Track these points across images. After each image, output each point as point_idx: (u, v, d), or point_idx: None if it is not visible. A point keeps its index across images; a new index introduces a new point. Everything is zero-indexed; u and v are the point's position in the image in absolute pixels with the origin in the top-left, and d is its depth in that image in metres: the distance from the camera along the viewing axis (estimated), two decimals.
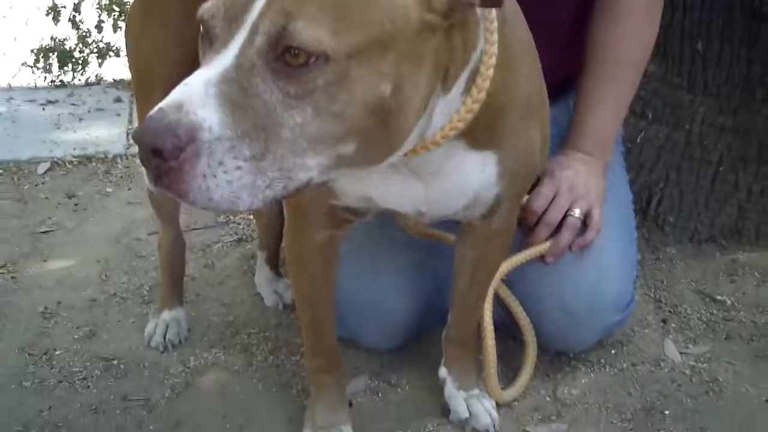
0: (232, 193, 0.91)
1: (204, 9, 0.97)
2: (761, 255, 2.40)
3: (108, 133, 3.63)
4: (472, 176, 1.30)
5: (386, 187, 1.30)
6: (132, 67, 1.89)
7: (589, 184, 1.79)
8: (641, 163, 2.55)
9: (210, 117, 0.88)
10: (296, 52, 0.90)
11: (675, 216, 2.50)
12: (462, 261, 1.61)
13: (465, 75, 1.11)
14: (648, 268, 2.35)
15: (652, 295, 2.23)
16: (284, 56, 0.90)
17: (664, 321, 2.12)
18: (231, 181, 0.90)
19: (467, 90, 1.13)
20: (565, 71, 1.89)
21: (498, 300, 1.79)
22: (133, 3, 1.95)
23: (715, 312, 2.15)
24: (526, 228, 1.78)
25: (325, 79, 0.92)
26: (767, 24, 2.32)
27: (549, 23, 1.76)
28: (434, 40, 1.01)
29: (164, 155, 0.87)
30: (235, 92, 0.90)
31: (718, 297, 2.21)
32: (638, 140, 2.55)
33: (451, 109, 1.13)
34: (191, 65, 1.72)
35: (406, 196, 1.31)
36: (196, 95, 0.89)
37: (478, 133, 1.21)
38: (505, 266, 1.73)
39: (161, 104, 0.89)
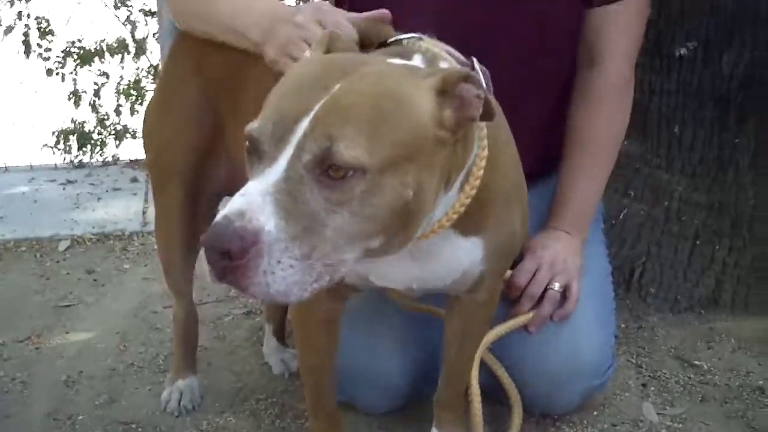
0: (287, 287, 1.07)
1: (253, 128, 1.13)
2: (737, 323, 2.56)
3: (125, 212, 3.82)
4: (461, 258, 1.48)
5: (384, 268, 1.47)
6: (148, 156, 2.09)
7: (567, 260, 1.96)
8: (623, 238, 2.72)
9: (269, 222, 1.04)
10: (338, 167, 1.08)
11: (656, 287, 2.67)
12: (450, 331, 1.76)
13: (461, 175, 1.30)
14: (631, 336, 2.50)
15: (633, 361, 2.38)
16: (328, 171, 1.08)
17: (644, 385, 2.26)
18: (285, 277, 1.06)
19: (461, 187, 1.32)
20: (546, 152, 2.08)
21: (484, 366, 1.93)
22: (153, 95, 2.16)
23: (692, 376, 2.30)
24: (510, 301, 1.95)
25: (361, 189, 1.09)
26: (734, 111, 2.52)
27: (530, 109, 1.97)
28: (444, 151, 1.20)
29: (232, 256, 1.03)
30: (286, 200, 1.07)
31: (696, 362, 2.36)
32: (621, 217, 2.73)
33: (448, 204, 1.32)
34: (204, 155, 1.94)
35: (401, 275, 1.49)
36: (256, 204, 1.05)
37: (467, 222, 1.39)
38: (491, 335, 1.88)
39: (225, 212, 1.05)
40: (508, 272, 1.91)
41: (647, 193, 2.72)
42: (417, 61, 1.32)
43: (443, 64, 1.33)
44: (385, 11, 1.55)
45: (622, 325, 2.52)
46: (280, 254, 1.05)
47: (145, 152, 2.12)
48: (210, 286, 2.90)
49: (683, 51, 2.58)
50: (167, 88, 2.06)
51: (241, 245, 1.03)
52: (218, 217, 1.06)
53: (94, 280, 3.12)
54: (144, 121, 2.13)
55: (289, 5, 1.71)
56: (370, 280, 1.52)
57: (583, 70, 2.06)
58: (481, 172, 1.33)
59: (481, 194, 1.35)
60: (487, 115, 1.21)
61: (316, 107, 1.10)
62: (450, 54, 1.38)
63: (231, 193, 2.08)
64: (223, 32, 1.79)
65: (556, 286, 1.94)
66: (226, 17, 1.76)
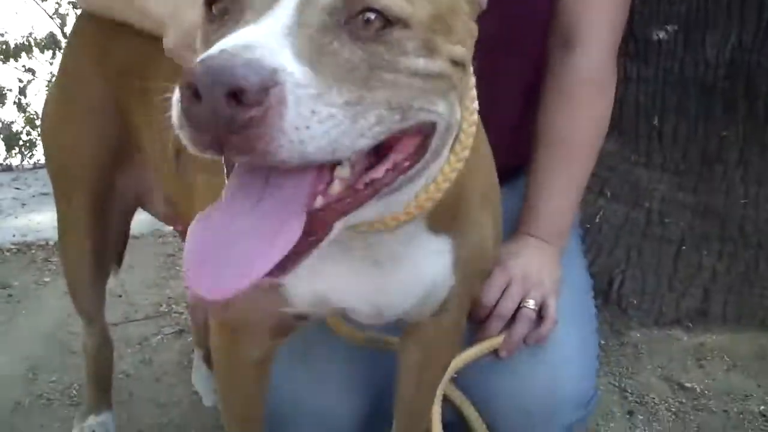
0: (331, 141, 0.75)
1: None
2: (729, 338, 2.30)
3: (51, 219, 3.43)
4: (430, 264, 1.19)
5: (342, 279, 1.16)
6: (48, 165, 1.77)
7: (543, 272, 1.67)
8: (600, 243, 2.45)
9: (289, 63, 0.72)
10: (375, 15, 0.80)
11: (638, 298, 2.40)
12: (407, 364, 1.47)
13: (453, 132, 0.99)
14: (612, 354, 2.24)
15: (616, 384, 2.11)
16: (357, 19, 0.80)
17: (630, 413, 2.00)
18: (327, 130, 0.74)
19: (451, 150, 1.03)
20: (515, 150, 1.80)
21: (447, 401, 1.64)
22: (50, 90, 1.83)
23: (684, 401, 2.04)
24: (476, 322, 1.65)
25: (403, 49, 0.82)
26: (721, 100, 2.26)
27: (497, 100, 1.68)
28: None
29: (244, 98, 0.69)
30: (307, 47, 0.75)
31: (687, 384, 2.10)
32: (597, 220, 2.46)
33: (431, 173, 1.02)
34: (111, 165, 1.63)
35: (363, 286, 1.18)
36: (269, 39, 0.73)
37: (439, 215, 1.11)
38: (455, 363, 1.58)
39: (222, 47, 0.71)
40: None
41: (625, 193, 2.45)
42: None
43: None
44: None
45: (602, 342, 2.25)
46: (312, 102, 0.73)
47: (45, 158, 1.80)
48: (138, 300, 2.59)
49: (662, 35, 2.33)
50: (66, 82, 1.72)
51: (258, 80, 0.69)
52: (212, 50, 0.71)
53: (9, 295, 2.81)
54: (42, 121, 1.81)
55: None
56: (327, 298, 1.20)
57: (557, 55, 1.76)
58: (471, 140, 1.05)
59: (455, 188, 1.07)
60: None
61: None
62: None
63: (144, 206, 1.80)
64: (121, 7, 1.47)
65: (531, 303, 1.64)
66: None
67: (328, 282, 1.17)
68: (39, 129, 4.35)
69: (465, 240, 1.20)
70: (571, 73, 1.74)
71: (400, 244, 1.11)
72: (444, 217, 1.13)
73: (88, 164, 1.66)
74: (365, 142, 0.79)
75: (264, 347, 1.33)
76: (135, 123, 1.60)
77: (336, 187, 0.83)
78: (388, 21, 0.81)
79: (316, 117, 0.73)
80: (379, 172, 0.86)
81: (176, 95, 0.75)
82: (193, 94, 0.70)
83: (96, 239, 1.73)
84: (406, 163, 0.89)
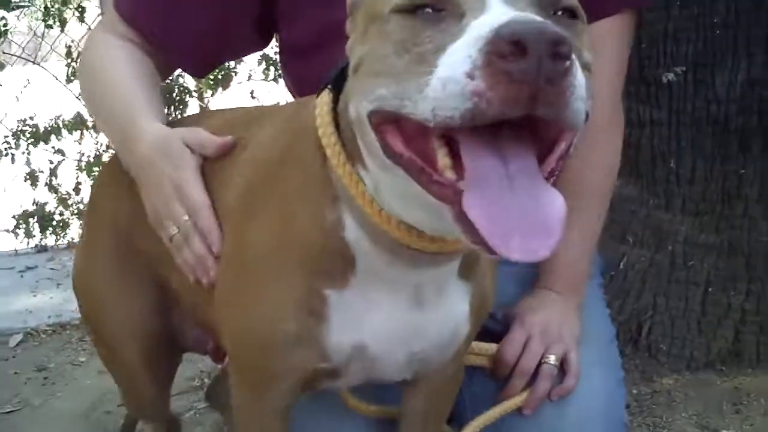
0: (582, 104, 0.82)
1: None
2: (765, 379, 2.25)
3: None
4: (456, 308, 1.24)
5: (384, 324, 1.20)
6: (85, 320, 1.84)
7: (563, 326, 1.66)
8: (626, 290, 2.44)
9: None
10: (566, 9, 0.92)
11: (668, 344, 2.38)
12: (411, 414, 1.47)
13: None
14: (645, 403, 2.20)
15: None
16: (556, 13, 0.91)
17: None
18: (583, 95, 0.82)
19: None
20: None
21: None
22: (81, 239, 1.83)
23: None
24: (498, 380, 1.64)
25: (582, 38, 0.94)
26: (736, 137, 2.25)
27: None
28: None
29: (564, 51, 0.76)
30: None
31: (724, 431, 2.05)
32: (620, 266, 2.45)
33: None
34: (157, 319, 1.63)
35: (403, 330, 1.21)
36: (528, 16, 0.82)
37: (468, 259, 1.17)
38: (480, 421, 1.58)
39: (506, 18, 0.79)
40: (494, 346, 1.62)
41: (648, 238, 2.44)
42: None
43: None
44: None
45: (634, 391, 2.22)
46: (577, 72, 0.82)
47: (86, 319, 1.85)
48: None
49: (671, 76, 2.34)
50: (90, 239, 1.74)
51: (569, 43, 0.77)
52: (508, 19, 0.78)
53: (45, 378, 2.82)
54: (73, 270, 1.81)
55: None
56: (366, 348, 1.21)
57: None
58: None
59: None
60: None
61: None
62: None
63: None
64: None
65: (552, 358, 1.63)
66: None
67: (369, 330, 1.20)
68: (71, 209, 4.48)
69: (477, 289, 1.25)
70: None
71: (441, 283, 1.18)
72: (469, 263, 1.19)
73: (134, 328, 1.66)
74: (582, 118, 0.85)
75: (290, 399, 1.34)
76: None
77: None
78: (573, 14, 0.92)
79: (581, 79, 0.81)
80: (552, 161, 0.91)
81: (450, 71, 0.79)
82: (517, 49, 0.75)
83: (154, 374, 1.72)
84: (567, 155, 0.93)
